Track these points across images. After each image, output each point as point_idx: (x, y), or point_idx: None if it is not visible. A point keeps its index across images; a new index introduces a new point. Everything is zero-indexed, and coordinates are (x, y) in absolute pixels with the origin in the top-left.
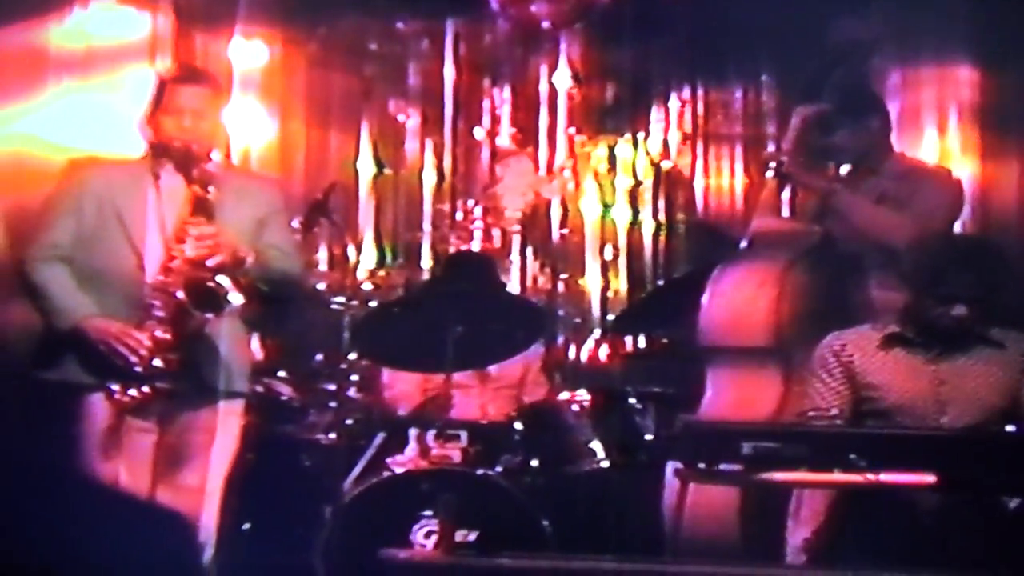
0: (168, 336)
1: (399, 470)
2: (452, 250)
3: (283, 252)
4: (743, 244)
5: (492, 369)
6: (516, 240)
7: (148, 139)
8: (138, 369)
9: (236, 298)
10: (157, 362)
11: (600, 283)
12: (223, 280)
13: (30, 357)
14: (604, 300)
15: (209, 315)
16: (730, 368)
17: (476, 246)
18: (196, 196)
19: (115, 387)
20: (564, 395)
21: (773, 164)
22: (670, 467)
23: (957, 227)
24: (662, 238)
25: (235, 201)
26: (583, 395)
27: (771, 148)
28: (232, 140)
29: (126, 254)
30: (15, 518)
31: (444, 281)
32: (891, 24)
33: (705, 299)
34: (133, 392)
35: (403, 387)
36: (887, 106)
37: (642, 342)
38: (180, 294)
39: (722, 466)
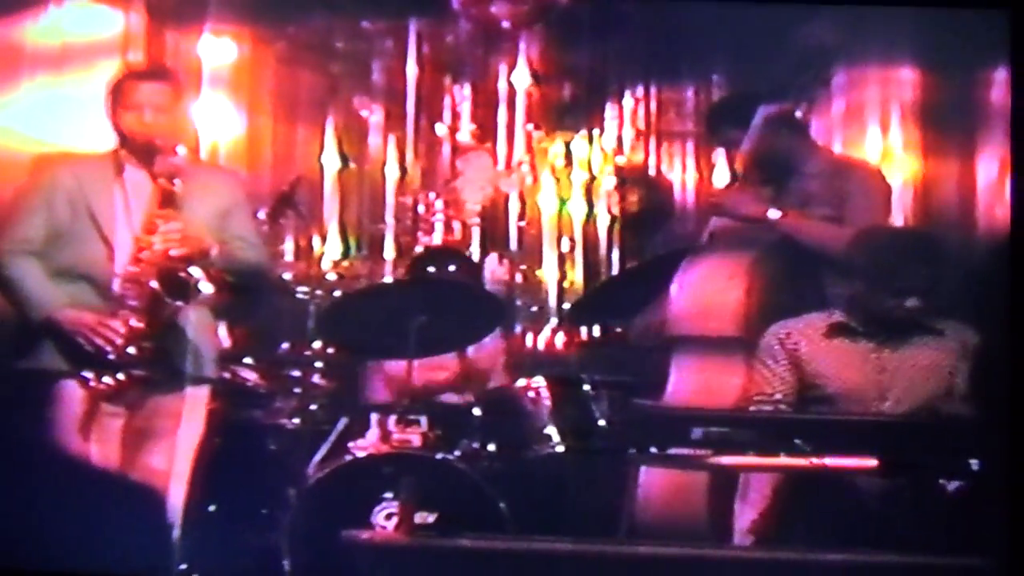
0: (142, 325)
1: (361, 454)
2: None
3: (247, 242)
4: (704, 239)
5: (469, 351)
6: (476, 232)
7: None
8: (112, 357)
9: (206, 287)
10: (131, 350)
11: (557, 274)
12: (195, 270)
13: (5, 347)
14: (561, 290)
15: (180, 303)
16: (697, 357)
17: (438, 238)
18: (163, 189)
19: (90, 375)
20: (521, 382)
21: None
22: None
23: (900, 220)
24: (616, 231)
25: (200, 194)
26: (540, 382)
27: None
28: (201, 134)
29: (98, 247)
30: None
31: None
32: (842, 30)
33: (674, 290)
34: (108, 380)
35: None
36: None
37: (597, 331)
38: (154, 283)
39: (673, 450)
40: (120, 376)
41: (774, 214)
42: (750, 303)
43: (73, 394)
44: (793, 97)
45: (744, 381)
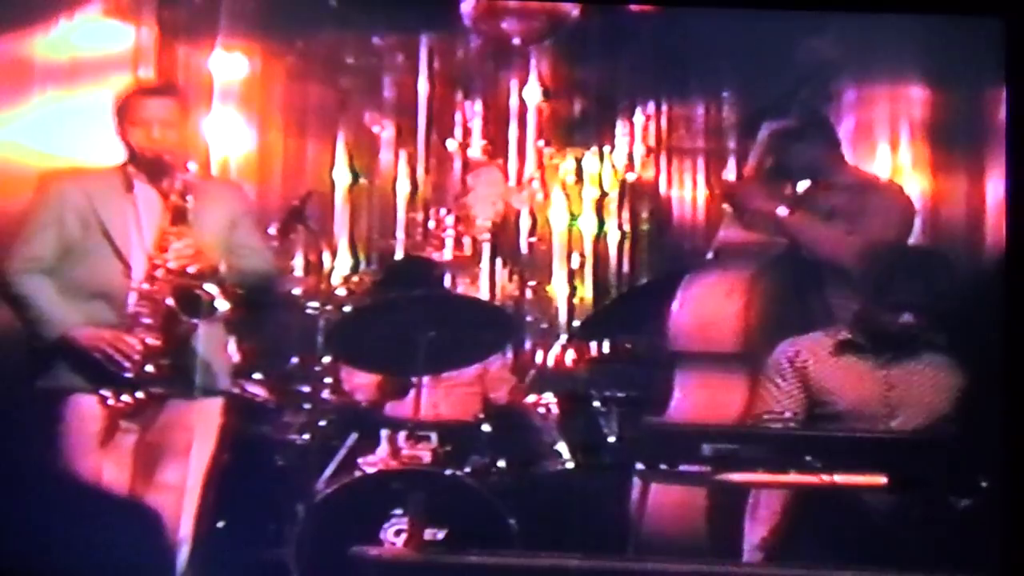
0: (158, 342)
1: (370, 470)
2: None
3: (255, 251)
4: (709, 255)
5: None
6: (486, 248)
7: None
8: (129, 375)
9: (222, 304)
10: (149, 367)
11: (567, 290)
12: (211, 288)
13: (23, 365)
14: (571, 306)
15: (197, 321)
16: (698, 372)
17: (448, 254)
18: (175, 206)
19: (108, 393)
20: (531, 398)
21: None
22: None
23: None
24: (627, 247)
25: (209, 208)
26: (549, 398)
27: (730, 177)
28: (212, 149)
29: (112, 264)
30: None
31: (389, 287)
32: (847, 44)
33: (675, 306)
34: (126, 398)
35: (360, 380)
36: (831, 122)
37: (606, 347)
38: (170, 301)
39: (683, 467)
40: (139, 394)
41: (782, 211)
42: (749, 318)
43: (91, 412)
44: (796, 111)
45: (745, 397)
